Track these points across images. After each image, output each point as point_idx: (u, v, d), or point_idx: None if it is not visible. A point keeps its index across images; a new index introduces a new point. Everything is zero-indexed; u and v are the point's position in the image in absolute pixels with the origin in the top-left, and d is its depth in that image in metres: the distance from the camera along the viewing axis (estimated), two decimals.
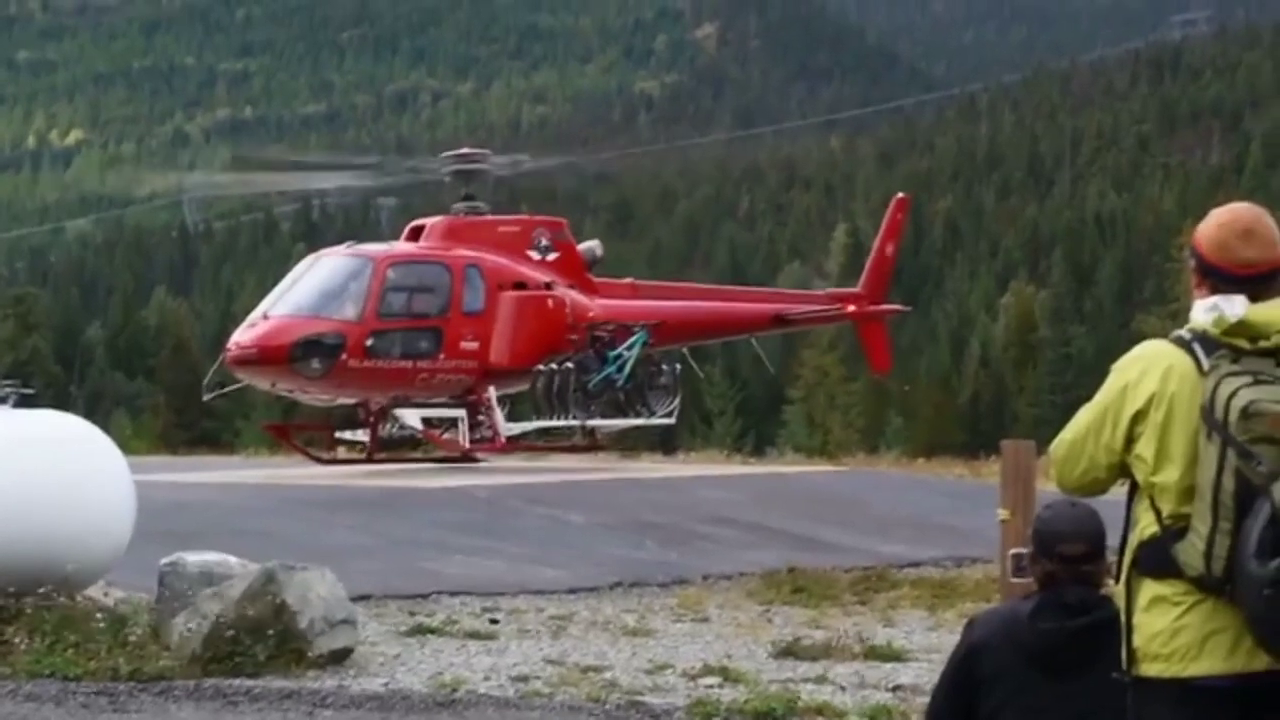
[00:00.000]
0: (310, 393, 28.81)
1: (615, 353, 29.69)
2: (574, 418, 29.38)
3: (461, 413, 28.83)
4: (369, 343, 27.59)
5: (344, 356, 27.44)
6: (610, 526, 21.77)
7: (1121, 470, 5.49)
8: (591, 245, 32.00)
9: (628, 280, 33.11)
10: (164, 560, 13.82)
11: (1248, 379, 5.26)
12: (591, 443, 30.94)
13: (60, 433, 14.67)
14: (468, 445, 29.08)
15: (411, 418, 28.80)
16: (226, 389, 30.83)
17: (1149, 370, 5.45)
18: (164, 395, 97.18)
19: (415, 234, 30.08)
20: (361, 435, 30.56)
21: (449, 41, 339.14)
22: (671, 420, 31.68)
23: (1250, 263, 5.55)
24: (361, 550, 18.64)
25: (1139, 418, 5.41)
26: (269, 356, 27.39)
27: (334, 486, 24.68)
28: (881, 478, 31.57)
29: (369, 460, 29.75)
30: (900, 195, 38.13)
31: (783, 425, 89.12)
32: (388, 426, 29.66)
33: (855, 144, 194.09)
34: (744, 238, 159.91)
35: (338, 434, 32.15)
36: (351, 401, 29.95)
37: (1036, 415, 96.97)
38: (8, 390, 15.40)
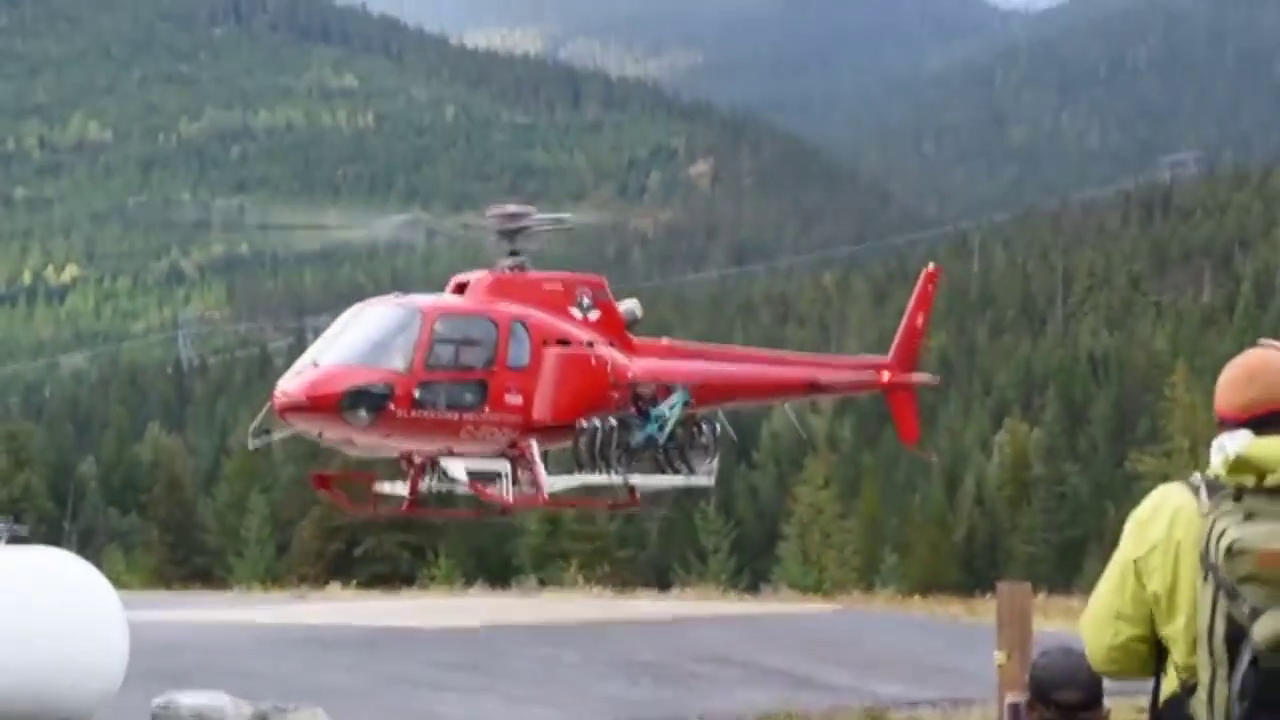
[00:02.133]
0: (356, 442, 28.78)
1: (657, 411, 29.76)
2: (616, 474, 29.40)
3: (505, 466, 28.87)
4: (416, 394, 27.57)
5: (392, 407, 27.40)
6: (605, 665, 21.62)
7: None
8: (631, 305, 32.08)
9: (664, 341, 33.24)
10: (157, 700, 13.71)
11: (1239, 517, 5.18)
12: (630, 500, 30.89)
13: (52, 571, 14.56)
14: (511, 500, 29.12)
15: (457, 469, 28.74)
16: (273, 435, 30.43)
17: (1157, 517, 5.38)
18: (157, 531, 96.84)
19: (460, 288, 30.13)
20: (401, 489, 30.46)
21: (443, 178, 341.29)
22: (710, 481, 31.74)
23: (1251, 403, 5.53)
24: (356, 690, 18.48)
25: (1148, 566, 5.32)
26: (318, 404, 27.33)
27: (328, 625, 24.51)
28: (877, 617, 31.40)
29: (410, 510, 30.05)
30: (931, 267, 38.24)
31: (777, 562, 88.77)
32: (431, 479, 29.60)
33: (848, 281, 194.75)
34: None
35: (377, 487, 31.91)
36: (394, 453, 29.89)
37: (1031, 554, 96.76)
38: (0, 528, 15.33)
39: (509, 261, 30.56)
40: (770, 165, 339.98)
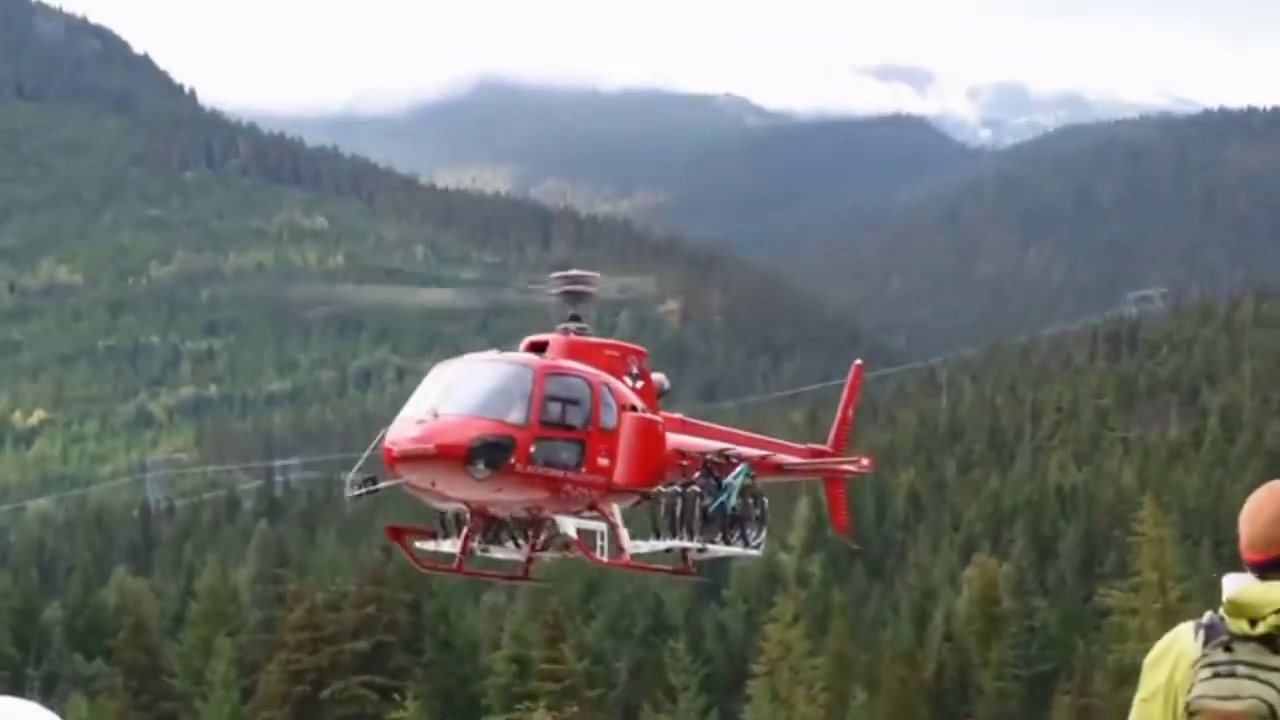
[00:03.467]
0: (465, 497, 28.66)
1: (728, 480, 29.92)
2: (696, 541, 29.49)
3: (603, 526, 28.95)
4: (532, 449, 27.22)
5: (513, 460, 27.07)
6: None
7: None
8: (660, 378, 32.35)
9: (678, 415, 33.50)
10: None
11: (1208, 672, 5.16)
12: (683, 567, 30.96)
13: None
14: (606, 560, 29.15)
15: (569, 526, 28.82)
16: (378, 487, 29.45)
17: (1162, 661, 5.38)
18: (122, 676, 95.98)
19: (535, 348, 30.20)
20: (449, 546, 30.40)
21: (413, 318, 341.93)
22: (759, 552, 31.80)
23: (1252, 544, 5.53)
24: None
25: (1149, 713, 5.30)
26: (447, 454, 26.73)
27: None
28: None
29: (458, 571, 29.79)
30: (858, 362, 38.36)
31: (747, 700, 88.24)
32: (544, 535, 29.59)
33: (818, 417, 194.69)
34: None
35: (435, 544, 31.63)
36: (502, 509, 29.73)
37: (1001, 689, 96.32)
38: None
39: (571, 325, 30.72)
40: (739, 301, 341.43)
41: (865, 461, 34.66)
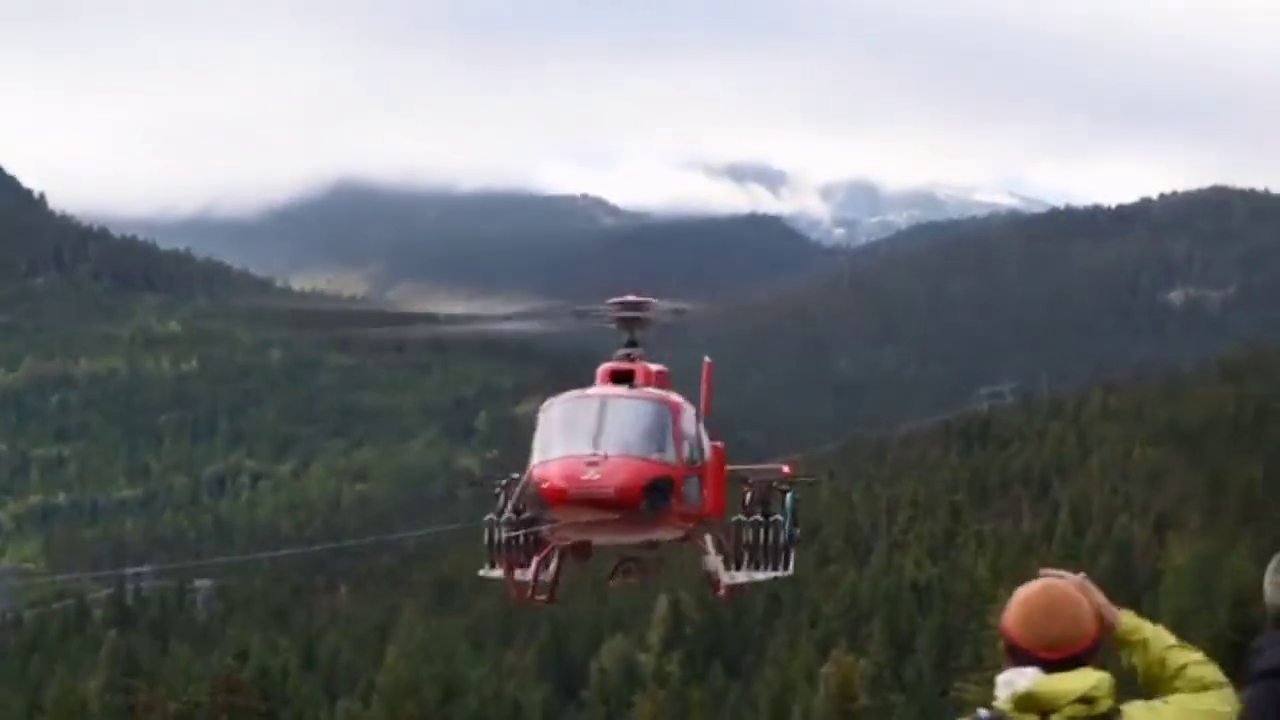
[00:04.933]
0: (623, 538, 27.63)
1: (788, 507, 29.74)
2: (769, 569, 29.24)
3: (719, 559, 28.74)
4: (682, 488, 26.82)
5: (673, 500, 26.63)
6: None
7: None
8: None
9: None
10: None
11: None
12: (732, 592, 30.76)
13: None
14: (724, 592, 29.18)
15: (714, 563, 28.33)
16: (535, 527, 27.85)
17: None
18: None
19: (617, 376, 28.87)
20: (522, 575, 29.69)
21: (268, 422, 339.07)
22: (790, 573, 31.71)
23: (1053, 643, 5.49)
24: None
25: None
26: (626, 496, 25.96)
27: None
28: None
29: (549, 601, 28.76)
30: (707, 360, 38.08)
31: None
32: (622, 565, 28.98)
33: None
34: (564, 613, 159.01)
35: (529, 574, 30.69)
36: (629, 543, 29.05)
37: None
38: None
39: (630, 352, 30.25)
40: None
41: (786, 469, 34.38)
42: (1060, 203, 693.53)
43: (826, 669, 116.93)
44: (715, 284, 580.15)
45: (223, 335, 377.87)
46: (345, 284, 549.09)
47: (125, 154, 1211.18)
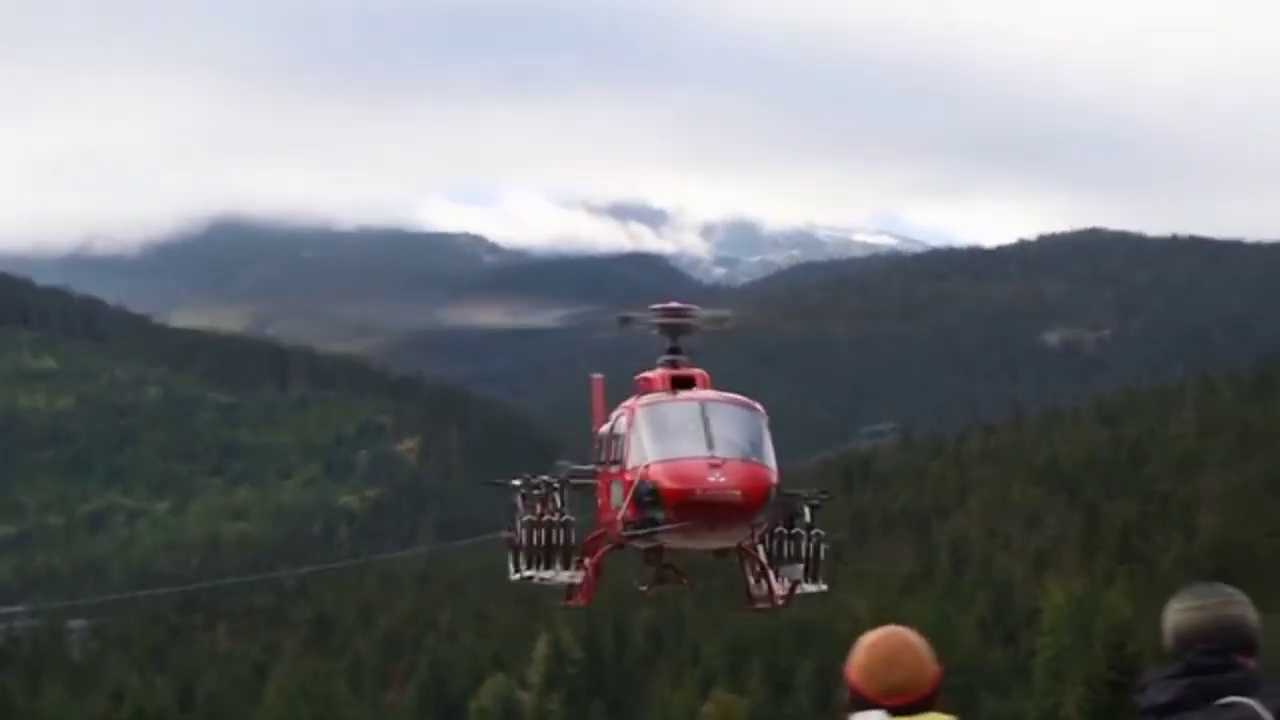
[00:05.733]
0: (724, 543, 27.22)
1: (809, 519, 29.40)
2: (811, 582, 28.89)
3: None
4: (773, 494, 26.40)
5: (768, 508, 26.37)
6: None
7: None
8: None
9: None
10: None
11: None
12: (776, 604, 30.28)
13: None
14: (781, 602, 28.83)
15: (796, 572, 28.25)
16: (658, 529, 26.63)
17: None
18: None
19: (681, 382, 28.50)
20: (567, 576, 29.12)
21: (146, 460, 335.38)
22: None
23: (895, 689, 5.57)
24: None
25: None
26: (750, 502, 25.62)
27: None
28: None
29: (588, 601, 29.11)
30: (597, 376, 37.97)
31: None
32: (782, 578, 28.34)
33: None
34: (445, 651, 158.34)
35: (538, 577, 30.10)
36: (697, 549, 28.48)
37: None
38: None
39: (675, 358, 29.92)
40: (479, 438, 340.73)
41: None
42: (939, 243, 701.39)
43: (707, 708, 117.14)
44: (596, 323, 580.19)
45: (100, 372, 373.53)
46: (224, 321, 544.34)
47: (0, 189, 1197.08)
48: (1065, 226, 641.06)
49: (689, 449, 26.18)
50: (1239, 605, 8.06)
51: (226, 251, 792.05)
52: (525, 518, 29.50)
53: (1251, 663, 7.88)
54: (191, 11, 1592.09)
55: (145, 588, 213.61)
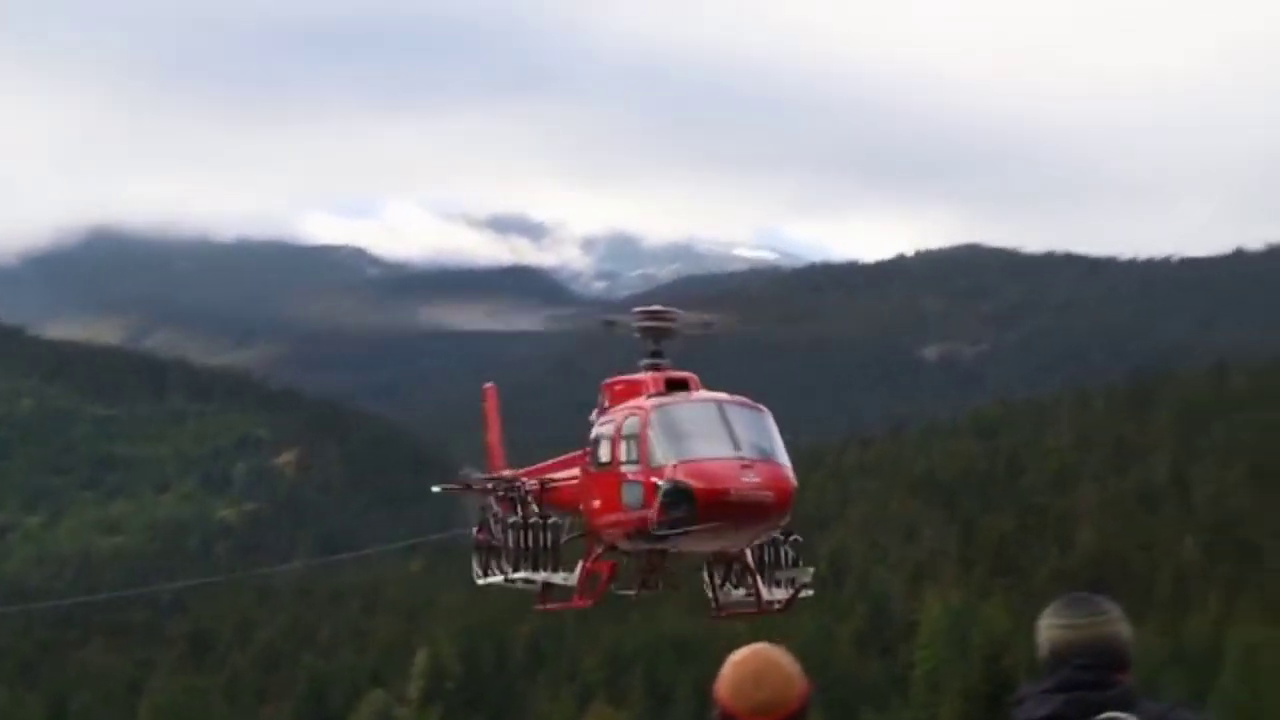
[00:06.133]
0: (746, 542, 27.30)
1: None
2: (790, 587, 28.70)
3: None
4: (795, 496, 26.52)
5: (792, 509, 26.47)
6: None
7: None
8: None
9: None
10: None
11: None
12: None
13: None
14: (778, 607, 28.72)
15: (807, 574, 28.54)
16: (690, 529, 26.04)
17: None
18: None
19: (675, 384, 28.77)
20: (560, 578, 28.89)
21: (18, 472, 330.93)
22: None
23: (763, 707, 5.53)
24: None
25: None
26: (780, 503, 25.95)
27: None
28: None
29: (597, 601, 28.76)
30: (489, 385, 37.95)
31: None
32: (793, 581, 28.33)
33: (437, 567, 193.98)
34: (323, 666, 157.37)
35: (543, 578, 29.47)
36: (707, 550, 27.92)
37: None
38: None
39: (657, 361, 29.40)
40: (358, 452, 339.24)
41: None
42: (819, 258, 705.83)
43: None
44: (478, 336, 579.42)
45: None
46: (100, 332, 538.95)
47: None
48: (944, 242, 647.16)
49: (716, 450, 26.20)
50: (1116, 623, 8.12)
51: (103, 262, 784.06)
52: (512, 520, 29.22)
53: (1127, 678, 7.93)
54: (70, 22, 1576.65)
55: (16, 602, 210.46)
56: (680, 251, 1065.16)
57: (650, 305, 30.53)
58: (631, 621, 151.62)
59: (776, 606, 28.71)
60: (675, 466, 25.85)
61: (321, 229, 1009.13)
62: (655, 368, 29.38)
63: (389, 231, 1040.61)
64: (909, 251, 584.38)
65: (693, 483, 25.61)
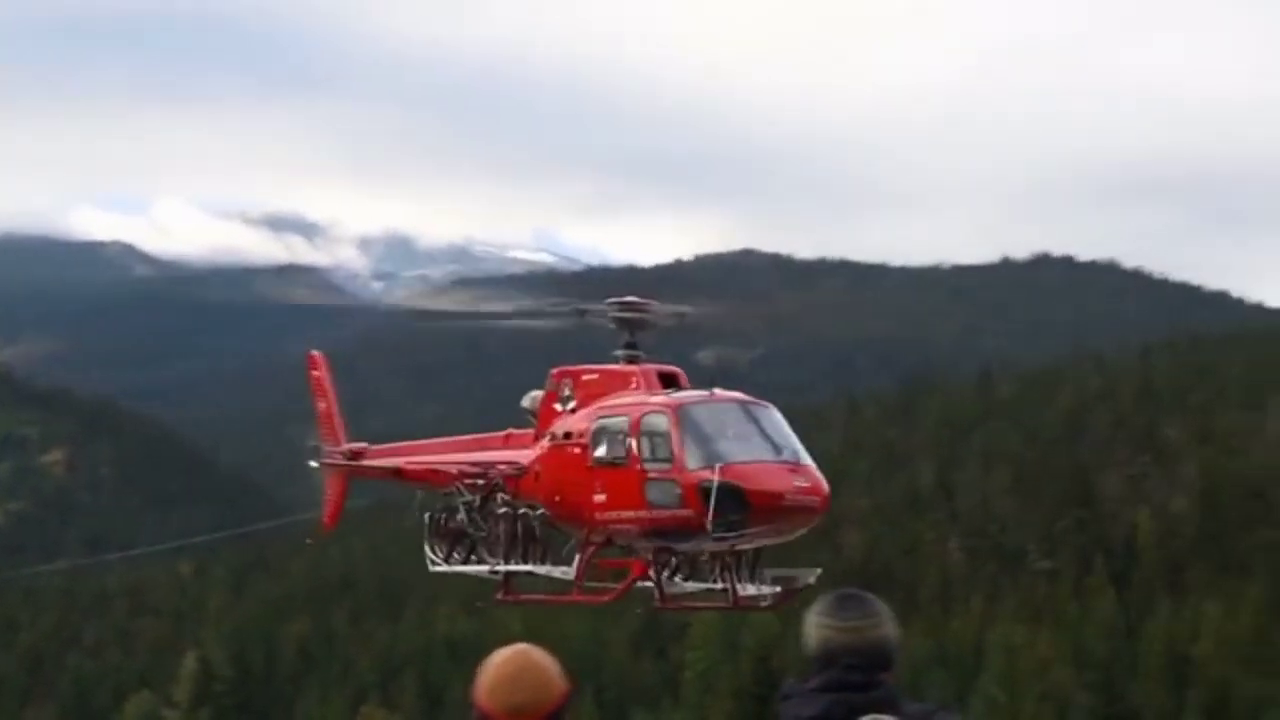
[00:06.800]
0: (776, 541, 26.70)
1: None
2: (770, 585, 28.19)
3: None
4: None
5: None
6: None
7: None
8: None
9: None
10: None
11: None
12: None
13: None
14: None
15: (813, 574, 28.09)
16: (743, 532, 25.85)
17: None
18: None
19: (669, 379, 28.60)
20: (560, 573, 28.29)
21: None
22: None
23: (520, 708, 5.64)
24: None
25: None
26: (824, 507, 26.01)
27: None
28: None
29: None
30: (313, 353, 37.53)
31: None
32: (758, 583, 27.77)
33: (207, 569, 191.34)
34: (89, 668, 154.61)
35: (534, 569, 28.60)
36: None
37: None
38: None
39: (633, 353, 28.96)
40: (129, 453, 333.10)
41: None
42: (596, 261, 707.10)
43: None
44: (251, 336, 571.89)
45: None
46: None
47: None
48: (721, 247, 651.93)
49: (758, 453, 26.20)
50: (886, 625, 8.27)
51: None
52: (501, 510, 28.71)
53: (890, 678, 8.18)
54: None
55: None
56: (457, 253, 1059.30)
57: (625, 297, 30.60)
58: (405, 623, 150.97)
59: (764, 604, 28.71)
60: (722, 468, 25.74)
61: (91, 224, 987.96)
62: (632, 360, 29.35)
63: (160, 229, 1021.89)
64: (687, 256, 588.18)
65: (747, 486, 25.63)
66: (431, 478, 31.95)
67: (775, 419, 27.22)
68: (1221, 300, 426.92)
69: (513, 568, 28.89)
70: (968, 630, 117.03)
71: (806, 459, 26.43)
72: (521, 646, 6.91)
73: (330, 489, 35.58)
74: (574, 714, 7.61)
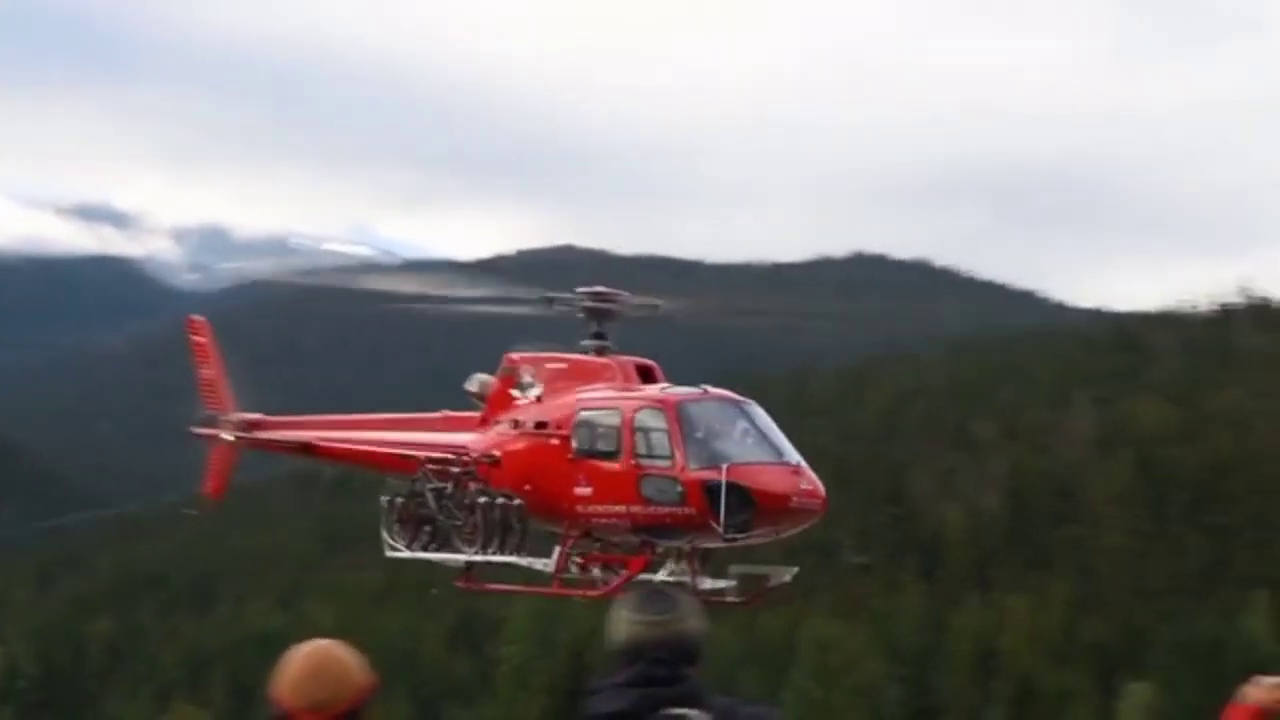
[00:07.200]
0: (750, 539, 25.72)
1: None
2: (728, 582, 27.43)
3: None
4: None
5: None
6: None
7: None
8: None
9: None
10: None
11: None
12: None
13: None
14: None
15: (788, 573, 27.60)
16: (751, 534, 25.46)
17: None
18: None
19: (641, 371, 28.10)
20: (540, 565, 27.41)
21: None
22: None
23: (320, 704, 5.54)
24: None
25: None
26: (824, 510, 25.73)
27: None
28: None
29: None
30: (193, 317, 36.64)
31: None
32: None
33: (11, 565, 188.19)
34: None
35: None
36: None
37: None
38: None
39: (601, 344, 28.34)
40: None
41: None
42: (415, 255, 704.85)
43: (166, 719, 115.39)
44: (64, 327, 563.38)
45: None
46: None
47: None
48: (542, 243, 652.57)
49: (760, 455, 25.95)
50: (693, 620, 8.37)
51: None
52: (481, 499, 27.87)
53: (695, 672, 8.21)
54: None
55: None
56: (274, 245, 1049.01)
57: (595, 286, 30.14)
58: (215, 619, 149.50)
59: (730, 599, 28.31)
60: (727, 468, 25.43)
61: None
62: (601, 350, 29.04)
63: None
64: (509, 251, 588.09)
65: (754, 487, 25.39)
66: (377, 460, 31.27)
67: (766, 419, 27.06)
68: (1027, 299, 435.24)
69: (490, 559, 28.36)
70: (779, 625, 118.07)
71: (802, 460, 26.30)
72: (323, 642, 6.90)
73: (216, 459, 34.39)
74: (377, 709, 7.46)
